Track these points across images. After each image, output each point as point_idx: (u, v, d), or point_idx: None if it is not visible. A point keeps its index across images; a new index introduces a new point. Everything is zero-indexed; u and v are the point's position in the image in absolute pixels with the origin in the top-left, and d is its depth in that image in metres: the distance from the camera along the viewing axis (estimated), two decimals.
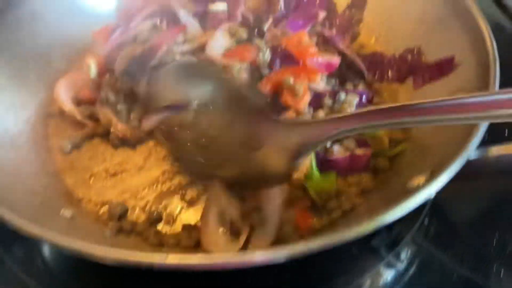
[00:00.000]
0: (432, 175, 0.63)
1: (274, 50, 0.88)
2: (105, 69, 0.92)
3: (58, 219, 0.72)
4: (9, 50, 0.92)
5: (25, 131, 0.87)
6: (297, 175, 0.76)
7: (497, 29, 1.13)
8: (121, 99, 0.88)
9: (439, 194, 0.80)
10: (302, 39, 0.88)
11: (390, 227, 0.79)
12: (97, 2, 1.06)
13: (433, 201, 0.82)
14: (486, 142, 0.64)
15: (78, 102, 0.92)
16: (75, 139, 0.88)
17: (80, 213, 0.76)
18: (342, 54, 0.93)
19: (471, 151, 0.61)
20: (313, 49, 0.87)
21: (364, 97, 0.85)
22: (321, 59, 0.87)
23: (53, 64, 0.97)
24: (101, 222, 0.76)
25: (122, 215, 0.76)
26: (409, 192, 0.62)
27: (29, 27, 0.95)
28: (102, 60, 0.92)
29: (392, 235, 0.78)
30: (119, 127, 0.85)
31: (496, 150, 0.65)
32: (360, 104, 0.84)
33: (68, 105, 0.91)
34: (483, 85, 0.71)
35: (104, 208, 0.78)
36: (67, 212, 0.74)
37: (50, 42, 0.97)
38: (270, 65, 0.87)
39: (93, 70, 0.92)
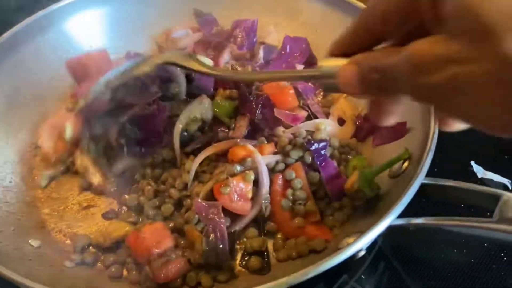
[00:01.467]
0: (359, 237, 0.69)
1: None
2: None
3: (26, 248, 0.80)
4: (9, 86, 1.02)
5: (13, 161, 0.96)
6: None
7: None
8: (100, 151, 0.91)
9: (385, 243, 0.87)
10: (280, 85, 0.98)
11: (332, 275, 0.84)
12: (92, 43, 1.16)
13: (377, 250, 0.88)
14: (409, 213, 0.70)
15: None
16: (53, 174, 0.95)
17: (48, 243, 0.84)
18: (309, 107, 1.00)
19: (392, 221, 0.67)
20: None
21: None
22: (288, 112, 0.97)
23: (47, 102, 1.07)
24: (65, 253, 0.83)
25: (85, 248, 0.84)
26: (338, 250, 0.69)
27: (27, 68, 1.06)
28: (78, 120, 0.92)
29: (335, 283, 0.84)
30: (95, 178, 0.90)
31: (416, 220, 0.71)
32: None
33: (46, 146, 0.96)
34: (421, 154, 0.77)
35: (70, 240, 0.85)
36: (34, 242, 0.81)
37: (46, 82, 1.08)
38: None
39: (68, 133, 0.94)
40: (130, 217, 0.86)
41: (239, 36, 1.17)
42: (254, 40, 1.18)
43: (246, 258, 0.81)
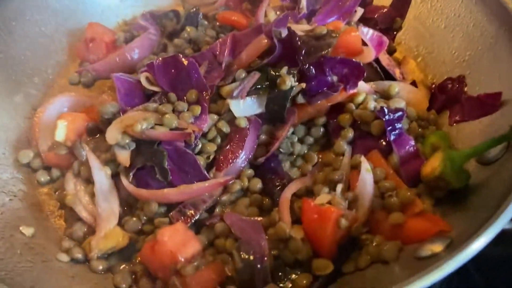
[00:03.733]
0: (452, 245, 0.51)
1: None
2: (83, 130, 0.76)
3: (15, 238, 0.63)
4: (5, 40, 0.87)
5: (8, 129, 0.80)
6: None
7: None
8: None
9: None
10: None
11: None
12: None
13: None
14: None
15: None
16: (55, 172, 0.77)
17: (43, 231, 0.68)
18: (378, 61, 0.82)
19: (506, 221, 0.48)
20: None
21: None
22: (373, 33, 0.80)
23: (49, 60, 0.93)
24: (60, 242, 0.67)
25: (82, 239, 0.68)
26: (422, 260, 0.53)
27: (27, 19, 0.91)
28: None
29: None
30: (85, 211, 0.70)
31: None
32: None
33: (41, 150, 0.78)
34: None
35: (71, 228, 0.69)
36: (27, 230, 0.66)
37: (48, 37, 0.94)
38: None
39: (60, 134, 0.77)
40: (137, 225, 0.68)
41: None
42: None
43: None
